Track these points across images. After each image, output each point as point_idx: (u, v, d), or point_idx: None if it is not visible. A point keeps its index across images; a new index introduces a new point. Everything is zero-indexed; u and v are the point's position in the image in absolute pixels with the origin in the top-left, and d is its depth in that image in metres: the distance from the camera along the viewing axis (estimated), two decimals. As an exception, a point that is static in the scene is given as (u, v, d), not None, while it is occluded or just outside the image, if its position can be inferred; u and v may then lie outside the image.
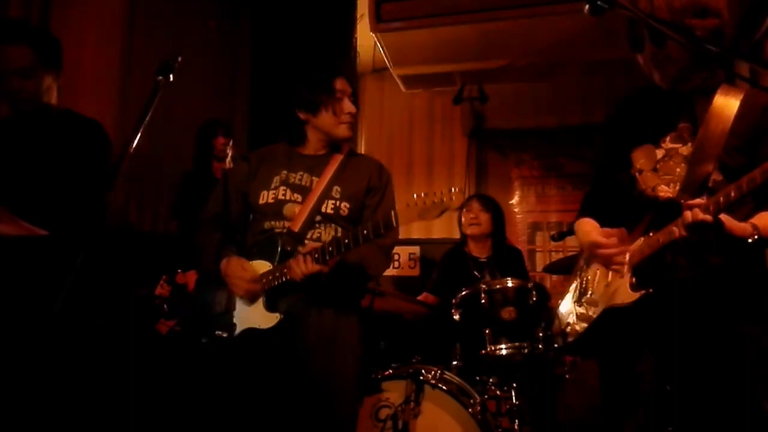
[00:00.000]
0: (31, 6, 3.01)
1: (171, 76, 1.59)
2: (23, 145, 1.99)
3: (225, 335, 1.88)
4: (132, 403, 2.48)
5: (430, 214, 1.69)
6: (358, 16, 4.25)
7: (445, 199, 1.67)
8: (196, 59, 3.61)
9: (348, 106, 2.05)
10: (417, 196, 1.70)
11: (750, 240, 1.40)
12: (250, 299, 1.93)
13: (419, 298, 3.41)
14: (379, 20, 3.75)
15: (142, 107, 1.55)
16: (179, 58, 1.59)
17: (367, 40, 4.21)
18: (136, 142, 1.58)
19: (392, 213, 1.70)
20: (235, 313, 1.96)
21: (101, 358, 2.16)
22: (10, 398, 1.78)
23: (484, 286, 2.83)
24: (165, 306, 2.96)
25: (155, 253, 3.18)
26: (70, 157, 1.97)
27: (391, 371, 2.68)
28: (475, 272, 3.31)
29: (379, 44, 4.02)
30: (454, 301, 2.91)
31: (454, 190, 1.68)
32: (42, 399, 1.83)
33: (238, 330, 1.92)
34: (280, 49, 4.09)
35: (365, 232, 1.74)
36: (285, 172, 2.05)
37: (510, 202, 4.73)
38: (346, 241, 1.77)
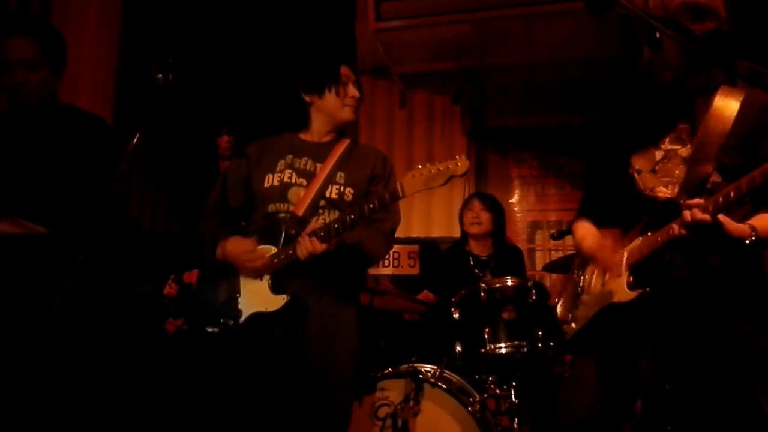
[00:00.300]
0: (31, 4, 3.00)
1: (170, 74, 1.59)
2: (25, 140, 1.97)
3: (231, 323, 1.86)
4: (134, 401, 2.48)
5: (435, 181, 1.66)
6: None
7: (450, 166, 1.65)
8: (196, 57, 3.61)
9: (352, 90, 2.08)
10: (421, 165, 1.68)
11: (748, 241, 1.40)
12: (257, 274, 1.90)
13: (419, 296, 3.41)
14: (378, 19, 3.75)
15: (141, 106, 1.56)
16: (179, 57, 1.59)
17: (366, 38, 4.20)
18: (136, 140, 1.58)
19: (398, 184, 1.69)
20: (240, 299, 1.93)
21: (102, 357, 2.15)
22: (11, 398, 1.78)
23: (483, 285, 2.83)
24: (172, 305, 2.96)
25: (155, 251, 3.18)
26: (73, 152, 1.95)
27: (390, 370, 2.68)
28: (477, 270, 3.32)
29: (378, 43, 4.02)
30: (453, 299, 2.91)
31: (459, 156, 1.66)
32: (42, 398, 1.83)
33: (244, 316, 1.89)
34: (281, 49, 4.08)
35: (371, 206, 1.74)
36: (290, 156, 2.06)
37: (510, 201, 4.73)
38: (352, 216, 1.76)
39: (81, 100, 2.84)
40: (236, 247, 1.93)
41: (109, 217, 1.89)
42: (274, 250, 1.92)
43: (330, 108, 2.07)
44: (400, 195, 1.69)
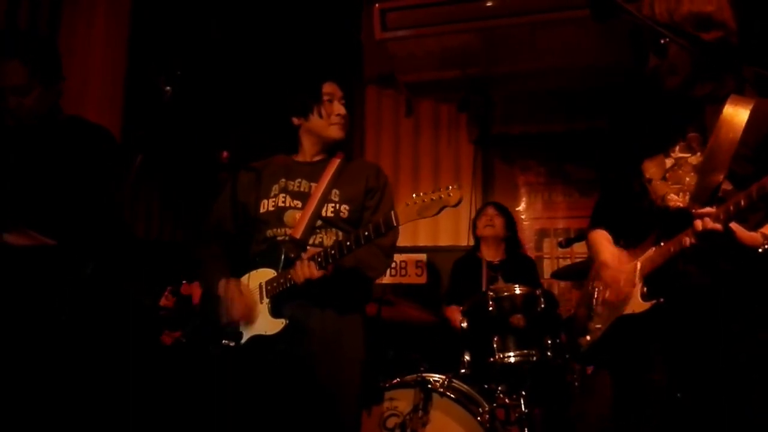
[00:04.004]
0: (40, 11, 3.01)
1: (178, 85, 1.60)
2: (32, 154, 1.98)
3: (232, 344, 1.88)
4: (135, 413, 2.48)
5: (429, 210, 1.68)
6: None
7: (443, 196, 1.67)
8: (203, 66, 3.63)
9: (337, 108, 2.07)
10: (415, 194, 1.70)
11: (760, 250, 1.39)
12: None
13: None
14: (384, 28, 3.76)
15: (149, 115, 1.56)
16: (185, 68, 1.60)
17: (372, 48, 4.22)
18: (143, 151, 1.59)
19: (392, 213, 1.71)
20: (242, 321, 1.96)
21: (105, 367, 2.16)
22: (17, 404, 1.78)
23: (491, 293, 2.82)
24: (169, 317, 2.96)
25: (158, 262, 3.18)
26: (78, 164, 1.96)
27: (399, 380, 2.67)
28: (490, 273, 3.31)
29: (384, 52, 4.03)
30: (462, 308, 2.90)
31: (452, 186, 1.67)
32: (46, 406, 1.83)
33: (245, 338, 1.92)
34: (285, 57, 4.10)
35: (366, 233, 1.75)
36: (284, 180, 2.07)
37: (517, 208, 4.71)
38: (348, 243, 1.78)
39: (89, 111, 2.86)
40: (231, 293, 1.93)
41: (114, 226, 1.89)
42: (273, 273, 1.93)
43: (316, 129, 2.07)
44: (394, 224, 1.71)
